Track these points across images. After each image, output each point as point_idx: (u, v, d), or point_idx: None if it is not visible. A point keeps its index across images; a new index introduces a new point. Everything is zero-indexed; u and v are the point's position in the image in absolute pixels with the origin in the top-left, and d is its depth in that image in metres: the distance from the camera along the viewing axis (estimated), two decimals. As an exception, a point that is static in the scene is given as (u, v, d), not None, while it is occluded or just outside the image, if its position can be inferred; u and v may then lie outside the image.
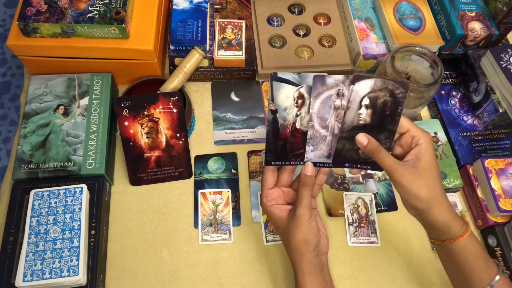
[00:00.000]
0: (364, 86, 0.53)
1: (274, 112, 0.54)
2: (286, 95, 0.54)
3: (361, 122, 0.54)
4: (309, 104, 0.54)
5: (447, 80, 0.84)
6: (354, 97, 0.53)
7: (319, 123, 0.55)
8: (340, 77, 0.53)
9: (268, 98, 0.54)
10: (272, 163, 0.58)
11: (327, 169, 0.60)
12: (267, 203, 0.59)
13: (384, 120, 0.54)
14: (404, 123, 0.55)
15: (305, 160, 0.57)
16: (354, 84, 0.53)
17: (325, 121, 0.55)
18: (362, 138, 0.54)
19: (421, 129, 0.54)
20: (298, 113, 0.55)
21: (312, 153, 0.57)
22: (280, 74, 0.53)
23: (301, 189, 0.56)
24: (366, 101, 0.53)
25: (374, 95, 0.53)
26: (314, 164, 0.58)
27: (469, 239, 0.53)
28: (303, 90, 0.54)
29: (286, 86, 0.53)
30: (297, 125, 0.55)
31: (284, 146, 0.56)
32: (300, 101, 0.54)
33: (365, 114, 0.54)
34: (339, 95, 0.54)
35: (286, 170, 0.60)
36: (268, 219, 0.69)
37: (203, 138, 0.76)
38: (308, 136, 0.56)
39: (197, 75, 0.79)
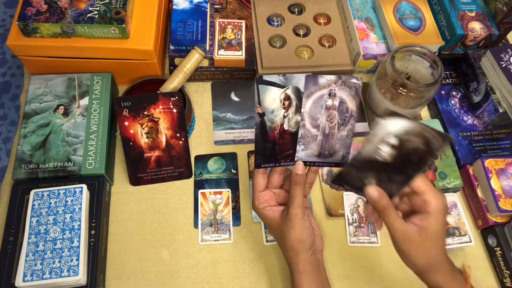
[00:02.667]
0: (397, 125, 0.50)
1: (261, 115, 0.54)
2: (272, 98, 0.54)
3: (378, 158, 0.51)
4: (296, 105, 0.55)
5: (447, 80, 0.84)
6: (379, 131, 0.51)
7: (310, 122, 0.56)
8: (332, 77, 0.54)
9: (255, 101, 0.54)
10: (262, 165, 0.58)
11: (317, 168, 0.60)
12: (259, 206, 0.59)
13: (406, 165, 0.50)
14: (420, 185, 0.50)
15: (295, 159, 0.58)
16: (384, 119, 0.51)
17: (316, 121, 0.56)
18: (374, 193, 0.50)
19: (437, 194, 0.49)
20: (286, 114, 0.55)
21: (303, 152, 0.57)
22: (265, 77, 0.53)
23: (293, 189, 0.56)
24: (393, 140, 0.50)
25: (406, 138, 0.50)
26: (305, 163, 0.58)
27: None
28: (289, 92, 0.54)
29: (272, 88, 0.54)
30: (285, 127, 0.56)
31: (273, 148, 0.56)
32: (287, 103, 0.55)
33: (387, 153, 0.51)
34: (331, 95, 0.54)
35: (276, 172, 0.60)
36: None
37: (203, 138, 0.76)
38: (299, 135, 0.56)
39: (197, 75, 0.79)
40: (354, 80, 0.55)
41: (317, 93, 0.54)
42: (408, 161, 0.50)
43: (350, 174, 0.54)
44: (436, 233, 0.50)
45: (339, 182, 0.56)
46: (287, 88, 0.54)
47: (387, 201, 0.50)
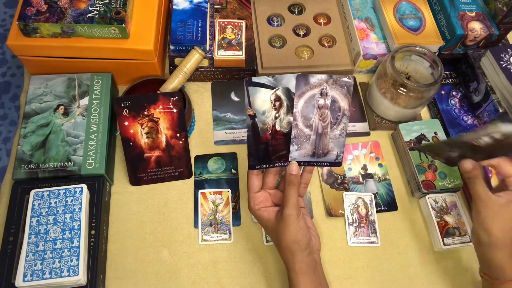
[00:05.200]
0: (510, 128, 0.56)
1: (252, 116, 0.55)
2: (263, 99, 0.54)
3: (474, 143, 0.58)
4: (287, 106, 0.55)
5: (447, 80, 0.84)
6: (491, 129, 0.57)
7: (303, 122, 0.56)
8: (323, 76, 0.54)
9: (245, 103, 0.54)
10: (256, 167, 0.58)
11: (312, 167, 0.60)
12: (254, 207, 0.59)
13: (495, 150, 0.58)
14: (510, 169, 0.58)
15: (289, 160, 0.58)
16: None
17: (308, 120, 0.56)
18: (469, 165, 0.58)
19: None
20: (277, 115, 0.55)
21: (297, 152, 0.57)
22: (255, 79, 0.53)
23: (287, 189, 0.56)
24: (498, 135, 0.57)
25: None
26: (299, 163, 0.58)
27: None
28: (279, 92, 0.54)
29: (262, 90, 0.54)
30: (277, 127, 0.56)
31: (266, 149, 0.57)
32: (277, 103, 0.55)
33: (484, 142, 0.58)
34: (323, 94, 0.54)
35: (271, 173, 0.60)
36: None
37: (203, 138, 0.76)
38: (292, 136, 0.56)
39: (197, 75, 0.79)
40: (345, 79, 0.55)
41: (309, 92, 0.55)
42: (498, 150, 0.58)
43: (440, 147, 0.64)
44: None
45: (423, 149, 0.67)
46: (277, 89, 0.54)
47: (478, 172, 0.58)
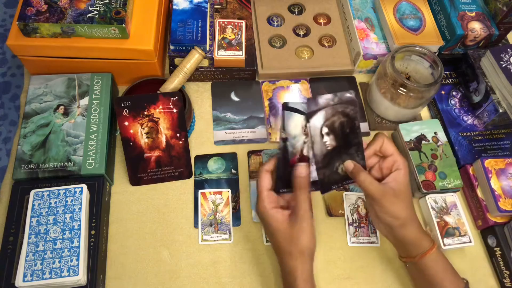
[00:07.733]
0: (318, 119, 0.55)
1: (284, 140, 0.55)
2: (295, 124, 0.55)
3: (329, 148, 0.57)
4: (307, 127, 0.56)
5: (447, 80, 0.84)
6: (313, 131, 0.55)
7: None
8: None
9: (280, 127, 0.55)
10: (280, 190, 0.58)
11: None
12: (268, 206, 0.55)
13: (347, 137, 0.57)
14: (389, 148, 0.58)
15: (311, 180, 0.57)
16: (309, 122, 0.55)
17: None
18: (349, 164, 0.57)
19: (402, 156, 0.59)
20: (305, 140, 0.56)
21: (315, 173, 0.58)
22: (291, 104, 0.54)
23: (299, 194, 0.54)
24: (325, 130, 0.56)
25: (330, 122, 0.56)
26: (312, 183, 0.58)
27: (437, 254, 0.57)
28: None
29: (296, 115, 0.55)
30: (305, 152, 0.56)
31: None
32: (307, 129, 0.55)
33: (329, 140, 0.56)
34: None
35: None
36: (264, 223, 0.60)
37: (203, 138, 0.76)
38: (311, 156, 0.57)
39: (197, 75, 0.79)
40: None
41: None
42: (346, 134, 0.57)
43: (326, 176, 0.58)
44: (407, 187, 0.57)
45: (326, 188, 0.59)
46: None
47: (359, 167, 0.57)
